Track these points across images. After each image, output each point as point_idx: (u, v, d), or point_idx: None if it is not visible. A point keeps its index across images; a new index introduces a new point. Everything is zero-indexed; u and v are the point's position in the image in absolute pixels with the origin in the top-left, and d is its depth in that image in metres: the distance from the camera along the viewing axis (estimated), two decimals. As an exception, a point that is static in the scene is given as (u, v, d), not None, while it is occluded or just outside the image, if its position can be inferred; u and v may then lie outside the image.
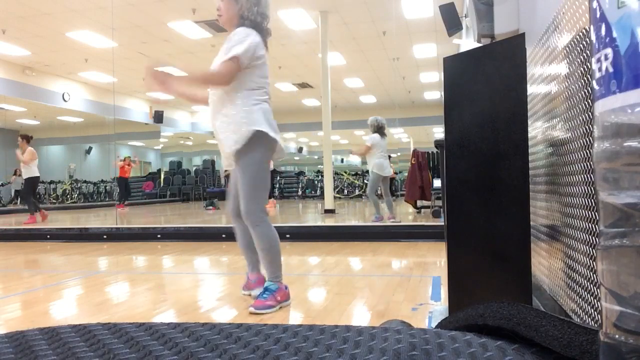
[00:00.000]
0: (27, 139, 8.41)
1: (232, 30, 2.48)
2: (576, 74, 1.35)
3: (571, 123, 1.41)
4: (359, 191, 15.90)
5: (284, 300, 2.50)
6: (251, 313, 2.38)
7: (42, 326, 0.39)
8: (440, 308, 2.38)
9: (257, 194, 2.42)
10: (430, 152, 8.04)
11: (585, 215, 1.27)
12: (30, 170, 8.29)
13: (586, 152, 1.26)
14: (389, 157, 7.02)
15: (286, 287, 2.55)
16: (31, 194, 8.41)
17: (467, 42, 5.69)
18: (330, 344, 0.33)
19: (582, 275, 1.32)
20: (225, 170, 2.53)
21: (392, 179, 9.26)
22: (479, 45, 2.40)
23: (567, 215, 1.47)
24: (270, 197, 12.42)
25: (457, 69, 1.70)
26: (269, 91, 2.54)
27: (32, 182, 8.41)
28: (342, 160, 21.75)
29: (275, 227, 2.54)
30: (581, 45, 1.30)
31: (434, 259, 3.90)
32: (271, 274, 2.49)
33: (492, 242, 1.61)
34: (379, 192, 6.82)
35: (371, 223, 6.25)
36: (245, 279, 2.78)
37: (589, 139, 1.24)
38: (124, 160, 12.51)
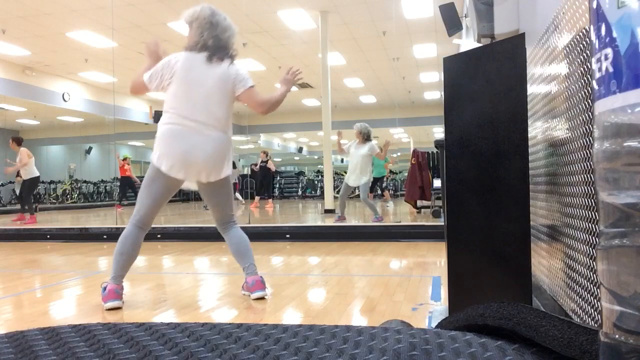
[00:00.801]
0: (18, 141, 8.38)
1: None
2: (576, 74, 1.35)
3: (571, 123, 1.41)
4: (359, 191, 15.91)
5: (113, 298, 2.51)
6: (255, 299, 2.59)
7: (42, 326, 0.39)
8: (440, 308, 2.38)
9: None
10: (430, 152, 8.04)
11: (585, 215, 1.28)
12: (30, 171, 8.27)
13: (586, 152, 1.26)
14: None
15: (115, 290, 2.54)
16: (31, 194, 8.40)
17: (467, 42, 5.69)
18: (330, 344, 0.33)
19: (582, 275, 1.32)
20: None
21: (384, 179, 9.46)
22: (479, 45, 2.40)
23: (567, 215, 1.47)
24: (270, 198, 12.38)
25: (457, 69, 1.70)
26: (182, 110, 2.53)
27: (33, 182, 8.40)
28: (342, 160, 21.75)
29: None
30: (581, 45, 1.30)
31: (434, 259, 3.90)
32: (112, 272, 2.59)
33: (492, 242, 1.61)
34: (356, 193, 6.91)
35: (371, 223, 6.25)
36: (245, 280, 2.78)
37: (589, 139, 1.24)
38: (125, 160, 12.49)
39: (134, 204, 2.71)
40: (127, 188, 12.55)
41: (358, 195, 7.01)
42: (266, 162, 11.78)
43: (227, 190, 2.74)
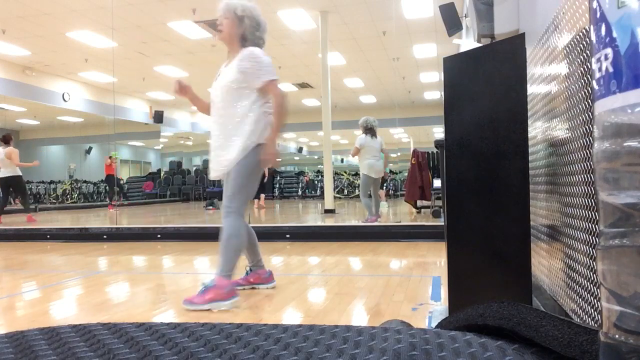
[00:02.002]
0: (6, 139, 8.08)
1: (232, 46, 2.70)
2: (576, 74, 1.35)
3: (571, 123, 1.41)
4: (359, 191, 15.90)
5: (218, 298, 2.47)
6: (185, 308, 2.49)
7: (42, 326, 0.39)
8: (440, 308, 2.38)
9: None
10: (430, 152, 8.04)
11: (585, 215, 1.28)
12: (15, 169, 7.99)
13: (586, 152, 1.26)
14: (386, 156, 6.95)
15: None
16: (27, 191, 8.29)
17: (467, 42, 5.69)
18: (330, 344, 0.33)
19: (582, 275, 1.32)
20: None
21: (384, 179, 9.15)
22: (479, 45, 2.40)
23: (567, 215, 1.47)
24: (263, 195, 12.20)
25: (457, 69, 1.70)
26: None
27: (21, 180, 8.21)
28: (342, 160, 21.77)
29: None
30: (581, 45, 1.30)
31: (434, 259, 3.90)
32: (219, 268, 2.57)
33: (492, 242, 1.61)
34: (370, 193, 6.80)
35: (370, 223, 6.25)
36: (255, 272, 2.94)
37: (589, 139, 1.24)
38: (111, 157, 12.27)
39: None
40: (114, 186, 12.39)
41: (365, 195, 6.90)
42: None
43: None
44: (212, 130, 2.74)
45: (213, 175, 2.74)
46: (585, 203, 1.27)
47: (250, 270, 2.95)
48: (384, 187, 11.12)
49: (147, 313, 2.46)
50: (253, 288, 2.93)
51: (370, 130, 6.56)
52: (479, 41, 2.54)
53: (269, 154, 2.60)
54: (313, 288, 2.97)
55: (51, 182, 17.07)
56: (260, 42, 2.72)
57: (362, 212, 8.86)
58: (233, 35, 2.66)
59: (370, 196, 6.72)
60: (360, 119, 6.65)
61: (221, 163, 2.65)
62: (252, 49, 2.62)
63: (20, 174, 8.14)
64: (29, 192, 16.75)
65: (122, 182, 17.69)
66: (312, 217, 9.03)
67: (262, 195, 12.01)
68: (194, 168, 19.92)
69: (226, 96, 2.63)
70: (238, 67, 2.59)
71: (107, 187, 12.87)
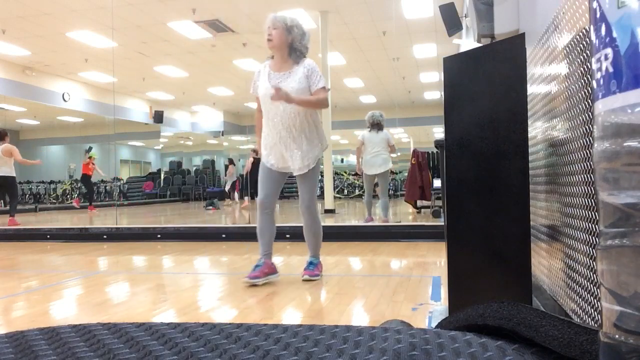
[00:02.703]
0: (1, 135, 7.60)
1: (282, 55, 3.05)
2: (576, 74, 1.35)
3: (571, 123, 1.41)
4: (359, 191, 15.87)
5: (322, 271, 3.24)
6: (305, 280, 3.08)
7: (42, 326, 0.39)
8: (440, 308, 2.38)
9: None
10: (430, 152, 8.04)
11: (585, 215, 1.28)
12: (11, 169, 7.61)
13: (586, 152, 1.26)
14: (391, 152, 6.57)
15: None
16: (17, 194, 7.98)
17: (467, 42, 5.69)
18: (330, 344, 0.33)
19: (582, 275, 1.32)
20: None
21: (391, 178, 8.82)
22: (479, 45, 2.40)
23: (567, 215, 1.47)
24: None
25: (457, 69, 1.70)
26: None
27: (14, 181, 7.73)
28: (342, 160, 21.77)
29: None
30: (581, 45, 1.30)
31: (434, 259, 3.90)
32: (315, 252, 3.25)
33: (492, 242, 1.61)
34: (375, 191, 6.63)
35: (366, 223, 6.25)
36: (261, 267, 3.05)
37: (589, 139, 1.24)
38: (90, 158, 11.78)
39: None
40: (92, 187, 12.07)
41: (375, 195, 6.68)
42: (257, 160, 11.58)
43: (310, 185, 3.28)
44: (279, 130, 3.05)
45: (281, 166, 3.12)
46: (585, 203, 1.27)
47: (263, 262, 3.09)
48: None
49: (147, 313, 2.46)
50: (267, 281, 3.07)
51: (375, 126, 6.31)
52: (479, 41, 2.54)
53: (280, 93, 2.87)
54: (313, 288, 2.97)
55: (51, 182, 17.07)
56: (305, 51, 3.08)
57: (362, 212, 8.87)
58: (283, 43, 3.01)
59: (375, 195, 6.60)
60: (367, 114, 6.45)
61: (296, 163, 3.08)
62: (311, 63, 3.07)
63: (15, 175, 7.86)
64: (29, 193, 16.78)
65: (121, 182, 17.68)
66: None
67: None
68: (194, 168, 19.92)
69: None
70: (303, 77, 3.02)
71: (85, 188, 12.20)
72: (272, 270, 3.11)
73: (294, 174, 3.13)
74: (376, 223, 6.21)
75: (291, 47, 3.03)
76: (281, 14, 3.08)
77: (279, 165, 3.11)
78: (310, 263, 3.19)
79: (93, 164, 11.83)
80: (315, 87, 3.02)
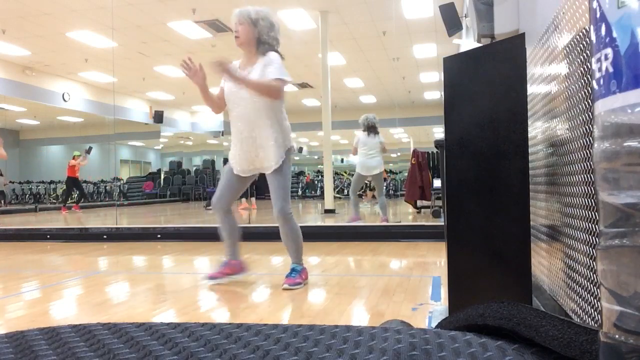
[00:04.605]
0: None
1: (250, 50, 2.89)
2: (576, 74, 1.35)
3: (571, 123, 1.41)
4: (360, 191, 15.87)
5: (306, 279, 3.03)
6: (285, 289, 2.87)
7: (42, 326, 0.39)
8: (440, 308, 2.38)
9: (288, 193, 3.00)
10: (430, 152, 8.03)
11: (585, 215, 1.28)
12: None
13: (586, 152, 1.26)
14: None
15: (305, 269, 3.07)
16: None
17: (467, 42, 5.69)
18: (330, 344, 0.33)
19: (582, 275, 1.32)
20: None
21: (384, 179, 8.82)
22: (479, 45, 2.40)
23: (567, 215, 1.47)
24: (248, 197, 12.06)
25: (457, 69, 1.70)
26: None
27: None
28: (342, 160, 21.76)
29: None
30: (581, 45, 1.30)
31: (434, 259, 3.90)
32: (296, 258, 3.04)
33: (492, 242, 1.61)
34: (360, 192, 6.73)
35: (370, 223, 6.25)
36: (223, 266, 3.10)
37: (589, 139, 1.24)
38: (74, 157, 11.57)
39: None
40: (73, 189, 11.88)
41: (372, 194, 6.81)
42: None
43: (278, 185, 3.11)
44: (241, 128, 2.94)
45: (247, 169, 2.99)
46: (585, 203, 1.27)
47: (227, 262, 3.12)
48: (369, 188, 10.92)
49: (147, 313, 2.46)
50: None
51: (369, 128, 6.44)
52: (479, 41, 2.54)
53: (221, 63, 2.73)
54: (313, 288, 2.97)
55: (51, 182, 17.06)
56: (274, 43, 2.89)
57: (362, 212, 8.87)
58: (250, 39, 2.85)
59: (360, 195, 6.70)
60: (361, 117, 6.61)
61: (261, 164, 2.96)
62: (274, 55, 2.85)
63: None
64: (29, 193, 16.77)
65: (121, 182, 17.67)
66: (312, 217, 9.03)
67: (252, 198, 11.84)
68: (194, 168, 19.91)
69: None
70: (261, 69, 2.84)
71: (67, 189, 11.94)
72: (235, 271, 3.10)
73: (266, 174, 3.00)
74: (376, 223, 6.21)
75: (259, 40, 2.86)
76: (246, 8, 2.87)
77: (243, 168, 2.99)
78: (293, 270, 2.99)
79: (79, 162, 11.63)
80: (269, 77, 2.81)
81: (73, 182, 11.70)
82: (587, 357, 0.28)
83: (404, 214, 8.64)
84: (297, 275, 2.95)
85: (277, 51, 2.91)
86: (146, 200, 16.92)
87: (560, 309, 1.60)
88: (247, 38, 2.84)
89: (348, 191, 16.35)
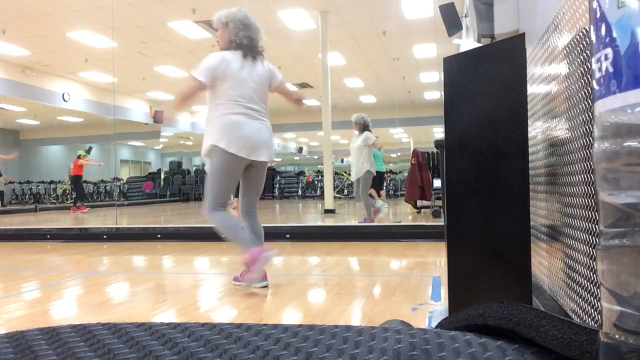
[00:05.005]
0: None
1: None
2: (576, 74, 1.35)
3: (571, 123, 1.41)
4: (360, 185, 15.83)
5: (256, 275, 2.82)
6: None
7: (42, 326, 0.39)
8: (440, 308, 2.38)
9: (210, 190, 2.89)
10: (430, 152, 8.03)
11: (585, 215, 1.28)
12: None
13: (586, 152, 1.26)
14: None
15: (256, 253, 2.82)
16: None
17: (467, 42, 5.69)
18: (330, 344, 0.33)
19: (582, 275, 1.32)
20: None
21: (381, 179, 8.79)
22: (479, 45, 2.40)
23: (567, 215, 1.47)
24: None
25: (457, 69, 1.70)
26: (246, 102, 2.88)
27: None
28: (342, 160, 21.76)
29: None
30: (581, 45, 1.30)
31: (434, 259, 3.90)
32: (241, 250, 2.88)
33: (492, 242, 1.61)
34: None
35: (370, 223, 6.25)
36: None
37: (589, 139, 1.24)
38: (80, 157, 11.52)
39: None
40: (80, 188, 11.87)
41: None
42: None
43: (265, 175, 3.10)
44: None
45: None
46: (585, 203, 1.27)
47: None
48: (384, 187, 10.87)
49: (147, 313, 2.46)
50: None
51: (359, 129, 6.42)
52: (479, 41, 2.54)
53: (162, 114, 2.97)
54: (313, 288, 2.97)
55: (51, 182, 17.06)
56: (244, 42, 2.90)
57: (362, 212, 8.86)
58: (225, 41, 2.93)
59: (371, 196, 6.67)
60: (355, 116, 6.47)
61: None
62: (214, 53, 2.89)
63: None
64: (29, 193, 16.77)
65: (121, 182, 17.66)
66: (312, 217, 9.03)
67: None
68: (194, 168, 19.92)
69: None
70: None
71: (77, 188, 11.86)
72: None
73: None
74: (375, 223, 6.21)
75: (231, 42, 2.91)
76: (219, 13, 2.96)
77: None
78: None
79: (85, 160, 11.61)
80: None
81: (76, 180, 11.68)
82: (587, 357, 0.28)
83: (404, 214, 8.64)
84: (242, 274, 2.92)
85: (240, 49, 2.89)
86: (146, 200, 16.92)
87: (560, 309, 1.60)
88: (222, 41, 2.95)
89: (348, 191, 16.39)
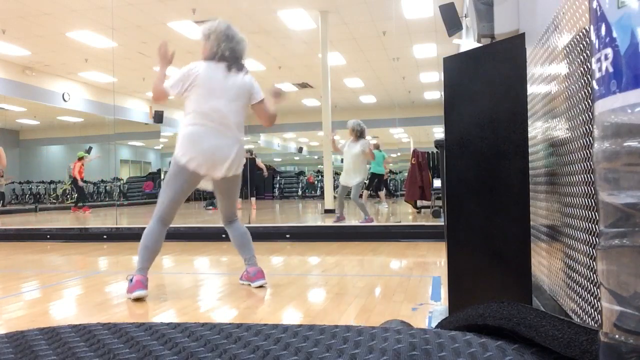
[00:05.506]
0: None
1: None
2: (576, 74, 1.35)
3: (571, 123, 1.41)
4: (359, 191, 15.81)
5: (139, 287, 2.69)
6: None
7: (42, 326, 0.39)
8: (440, 308, 2.38)
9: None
10: (430, 152, 8.03)
11: (585, 215, 1.28)
12: None
13: (586, 152, 1.26)
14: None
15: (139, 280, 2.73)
16: None
17: (467, 42, 5.69)
18: (330, 344, 0.33)
19: (582, 275, 1.32)
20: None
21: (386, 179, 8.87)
22: (479, 45, 2.40)
23: (567, 215, 1.47)
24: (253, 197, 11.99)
25: (457, 69, 1.70)
26: (210, 112, 2.79)
27: None
28: (342, 161, 21.78)
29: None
30: (581, 45, 1.30)
31: (434, 259, 3.90)
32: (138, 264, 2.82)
33: (492, 242, 1.61)
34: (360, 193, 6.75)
35: (370, 223, 6.25)
36: (245, 270, 3.03)
37: (589, 139, 1.24)
38: (80, 159, 11.55)
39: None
40: (81, 190, 11.91)
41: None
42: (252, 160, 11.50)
43: (238, 187, 3.03)
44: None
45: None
46: (585, 203, 1.27)
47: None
48: (380, 189, 10.83)
49: (147, 313, 2.46)
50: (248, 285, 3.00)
51: (356, 136, 6.47)
52: (479, 41, 2.54)
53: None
54: (313, 288, 2.97)
55: (51, 182, 17.06)
56: (226, 53, 2.87)
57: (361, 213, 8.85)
58: (206, 53, 2.93)
59: (360, 196, 6.76)
60: (352, 122, 6.52)
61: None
62: (193, 63, 2.92)
63: None
64: (29, 193, 16.76)
65: (121, 182, 17.66)
66: (312, 217, 9.03)
67: (253, 199, 11.77)
68: (194, 168, 19.86)
69: None
70: None
71: (78, 190, 11.90)
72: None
73: None
74: (375, 223, 6.21)
75: (213, 53, 2.90)
76: (202, 25, 3.00)
77: None
78: (131, 280, 2.75)
79: (82, 165, 11.61)
80: None
81: (77, 182, 11.67)
82: (587, 357, 0.28)
83: (404, 214, 8.64)
84: (130, 284, 2.72)
85: (222, 60, 2.87)
86: (146, 200, 16.91)
87: (560, 309, 1.60)
88: (204, 53, 2.95)
89: (348, 191, 16.34)
